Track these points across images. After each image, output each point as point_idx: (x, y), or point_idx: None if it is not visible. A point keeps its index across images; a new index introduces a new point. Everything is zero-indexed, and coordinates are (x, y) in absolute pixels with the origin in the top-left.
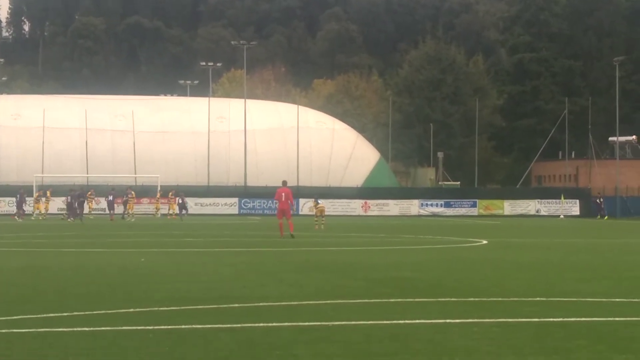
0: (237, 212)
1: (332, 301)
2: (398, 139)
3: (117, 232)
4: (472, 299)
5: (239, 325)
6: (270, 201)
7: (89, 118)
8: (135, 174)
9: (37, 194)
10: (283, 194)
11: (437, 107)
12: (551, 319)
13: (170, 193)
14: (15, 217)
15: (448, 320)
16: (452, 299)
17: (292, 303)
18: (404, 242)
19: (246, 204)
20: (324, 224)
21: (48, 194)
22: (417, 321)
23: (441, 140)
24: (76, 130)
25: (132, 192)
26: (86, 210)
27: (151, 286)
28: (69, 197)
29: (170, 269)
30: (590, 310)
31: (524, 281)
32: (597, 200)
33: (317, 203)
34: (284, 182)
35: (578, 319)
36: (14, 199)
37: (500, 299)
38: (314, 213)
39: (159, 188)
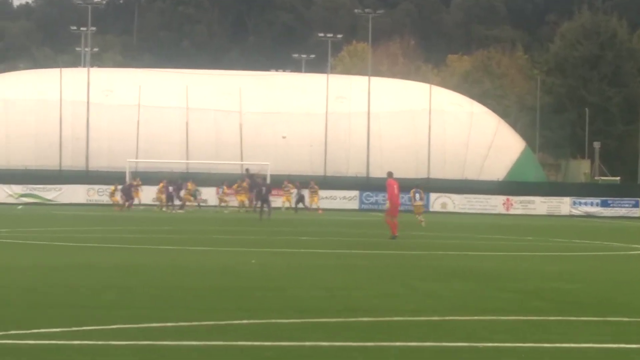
0: (357, 207)
1: (478, 317)
2: (547, 126)
3: (220, 227)
4: None
5: (371, 343)
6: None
7: (190, 96)
8: (242, 160)
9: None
10: (395, 186)
11: (593, 89)
12: None
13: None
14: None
15: (623, 345)
16: (624, 319)
17: (432, 318)
18: (556, 247)
19: (368, 198)
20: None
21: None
22: (585, 345)
23: (598, 127)
24: (175, 109)
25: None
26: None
27: (265, 293)
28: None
29: (286, 273)
30: None
31: None
32: None
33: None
34: (391, 173)
35: None
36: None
37: None
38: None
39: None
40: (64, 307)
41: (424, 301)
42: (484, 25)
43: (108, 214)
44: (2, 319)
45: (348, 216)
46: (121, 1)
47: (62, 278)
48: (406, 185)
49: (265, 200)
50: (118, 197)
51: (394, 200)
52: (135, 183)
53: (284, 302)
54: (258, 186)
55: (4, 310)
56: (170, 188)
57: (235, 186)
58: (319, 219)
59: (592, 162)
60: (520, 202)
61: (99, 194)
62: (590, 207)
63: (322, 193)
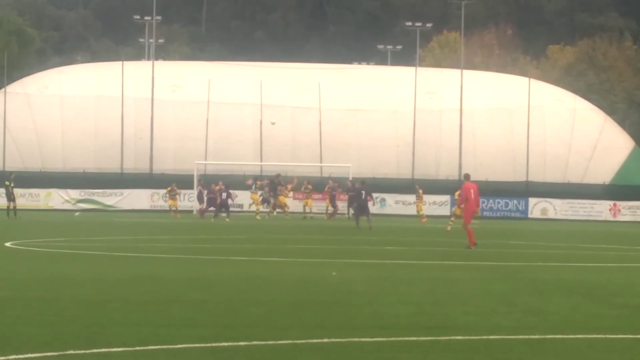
0: (448, 213)
1: (584, 335)
2: None
3: (298, 236)
4: None
5: None
6: (492, 200)
7: (264, 91)
8: (321, 162)
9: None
10: (472, 190)
11: None
12: None
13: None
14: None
15: None
16: None
17: (533, 337)
18: None
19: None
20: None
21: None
22: None
23: None
24: (248, 106)
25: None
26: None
27: (347, 309)
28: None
29: (370, 286)
30: None
31: None
32: None
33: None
34: (468, 176)
35: None
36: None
37: None
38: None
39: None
40: (125, 324)
41: (524, 318)
42: (588, 12)
43: (174, 221)
44: (59, 337)
45: (438, 223)
46: None
47: (124, 292)
48: (503, 190)
49: (364, 208)
50: (178, 201)
51: (470, 205)
52: (217, 188)
53: (368, 318)
54: (355, 191)
55: (61, 328)
56: (221, 188)
57: (302, 188)
58: (405, 226)
59: None
60: (629, 208)
61: (163, 199)
62: None
63: (409, 198)
